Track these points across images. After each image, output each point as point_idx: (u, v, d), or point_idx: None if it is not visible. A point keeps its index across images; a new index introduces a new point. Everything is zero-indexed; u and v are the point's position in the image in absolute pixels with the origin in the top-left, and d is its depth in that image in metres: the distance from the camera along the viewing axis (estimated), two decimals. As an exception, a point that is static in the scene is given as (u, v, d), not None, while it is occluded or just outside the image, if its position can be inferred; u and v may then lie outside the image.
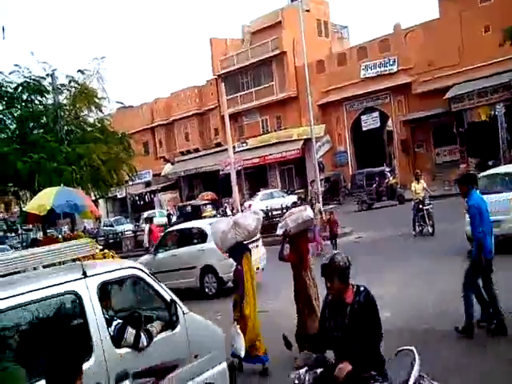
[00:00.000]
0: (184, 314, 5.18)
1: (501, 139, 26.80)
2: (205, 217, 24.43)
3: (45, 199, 10.96)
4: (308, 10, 37.34)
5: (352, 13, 71.14)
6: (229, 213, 26.69)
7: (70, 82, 17.96)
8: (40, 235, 22.47)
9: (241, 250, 7.09)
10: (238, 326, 6.76)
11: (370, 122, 34.34)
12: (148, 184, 48.25)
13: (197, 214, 27.82)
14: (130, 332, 4.64)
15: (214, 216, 26.80)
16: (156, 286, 5.09)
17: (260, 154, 38.94)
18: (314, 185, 29.23)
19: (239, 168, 35.37)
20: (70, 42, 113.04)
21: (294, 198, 30.79)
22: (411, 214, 15.97)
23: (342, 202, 30.73)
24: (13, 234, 41.78)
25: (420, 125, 31.43)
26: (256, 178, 39.88)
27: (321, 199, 20.79)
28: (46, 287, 4.18)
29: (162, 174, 47.15)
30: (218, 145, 42.73)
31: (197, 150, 45.89)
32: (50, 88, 17.57)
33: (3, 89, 17.22)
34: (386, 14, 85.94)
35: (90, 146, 16.16)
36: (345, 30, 46.12)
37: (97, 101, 18.10)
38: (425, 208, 15.37)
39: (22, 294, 4.00)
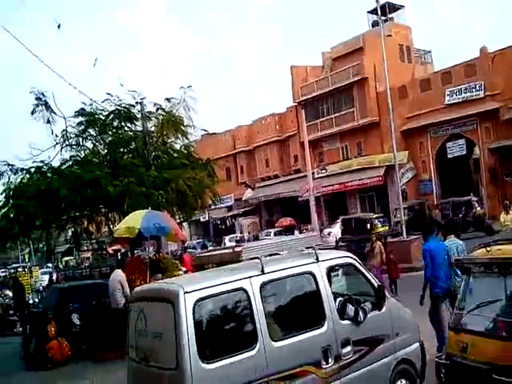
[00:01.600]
0: (387, 298, 6.27)
1: None
2: (378, 233, 20.00)
3: (133, 222, 11.55)
4: (390, 35, 37.02)
5: (436, 37, 69.59)
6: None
7: (157, 109, 18.81)
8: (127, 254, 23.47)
9: None
10: None
11: (455, 149, 33.17)
12: (229, 208, 49.18)
13: (365, 229, 23.47)
14: (350, 308, 5.76)
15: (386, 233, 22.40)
16: (367, 273, 6.31)
17: (340, 180, 38.61)
18: (397, 213, 28.46)
19: (318, 194, 35.28)
20: (158, 72, 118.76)
21: (374, 227, 30.08)
22: (501, 245, 15.14)
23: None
24: (102, 253, 43.95)
25: (509, 153, 29.92)
26: (335, 205, 39.48)
27: (404, 228, 20.18)
28: (294, 267, 5.67)
29: (243, 199, 47.93)
30: (298, 171, 42.91)
31: (276, 176, 46.33)
32: (139, 115, 18.50)
33: (96, 116, 18.35)
34: (471, 38, 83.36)
35: (176, 171, 16.76)
36: (428, 54, 45.16)
37: (183, 128, 18.81)
38: (515, 239, 14.49)
39: (283, 269, 5.55)
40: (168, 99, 18.78)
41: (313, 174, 34.46)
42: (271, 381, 4.99)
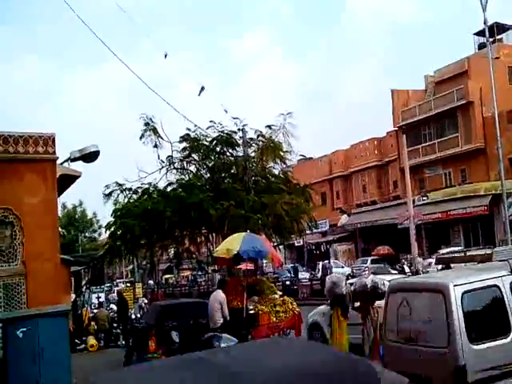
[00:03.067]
0: None
1: None
2: None
3: (233, 244, 11.85)
4: (498, 58, 35.40)
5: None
6: (406, 270, 25.49)
7: (258, 136, 19.32)
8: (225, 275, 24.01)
9: (334, 302, 9.97)
10: None
11: None
12: (324, 234, 48.78)
13: None
14: None
15: None
16: None
17: (442, 208, 36.93)
18: (503, 245, 26.79)
19: (419, 222, 33.97)
20: (260, 98, 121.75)
21: (479, 259, 28.53)
22: None
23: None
24: (200, 273, 45.34)
25: None
26: (436, 235, 37.73)
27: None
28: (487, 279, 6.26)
29: (339, 224, 47.36)
30: (397, 198, 41.71)
31: (374, 203, 45.36)
32: (240, 141, 19.12)
33: (200, 142, 19.20)
34: None
35: (274, 196, 17.06)
36: (542, 77, 42.38)
37: (282, 154, 19.13)
38: None
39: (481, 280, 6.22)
40: (269, 126, 19.22)
41: (413, 201, 33.36)
42: None
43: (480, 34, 36.78)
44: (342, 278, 10.79)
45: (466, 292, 5.96)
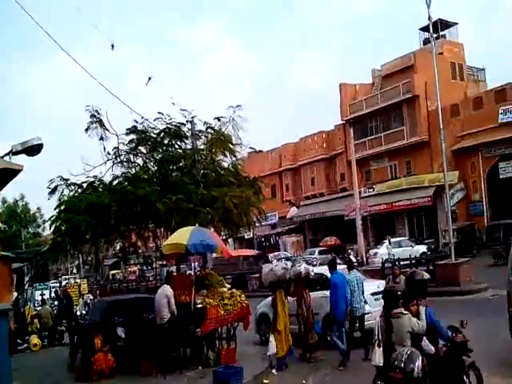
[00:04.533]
0: None
1: None
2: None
3: (181, 238, 11.67)
4: (441, 53, 36.55)
5: (490, 54, 67.92)
6: (353, 260, 25.98)
7: (207, 128, 19.02)
8: (173, 270, 23.71)
9: (275, 287, 11.01)
10: (273, 336, 10.65)
11: (509, 169, 32.11)
12: (274, 226, 49.13)
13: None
14: None
15: None
16: None
17: (387, 200, 37.92)
18: (445, 235, 27.72)
19: (365, 214, 34.76)
20: (208, 91, 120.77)
21: (423, 248, 29.46)
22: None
23: (476, 255, 28.73)
24: (147, 268, 44.78)
25: None
26: (382, 225, 38.75)
27: (453, 251, 19.63)
28: None
29: (288, 216, 47.79)
30: (344, 190, 42.51)
31: (322, 195, 46.02)
32: (188, 134, 18.80)
33: (147, 134, 18.75)
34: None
35: (223, 189, 16.87)
36: (481, 72, 44.14)
37: (231, 146, 18.94)
38: None
39: None
40: (218, 118, 18.98)
41: (359, 192, 34.03)
42: None
43: (425, 29, 37.81)
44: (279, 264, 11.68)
45: None
